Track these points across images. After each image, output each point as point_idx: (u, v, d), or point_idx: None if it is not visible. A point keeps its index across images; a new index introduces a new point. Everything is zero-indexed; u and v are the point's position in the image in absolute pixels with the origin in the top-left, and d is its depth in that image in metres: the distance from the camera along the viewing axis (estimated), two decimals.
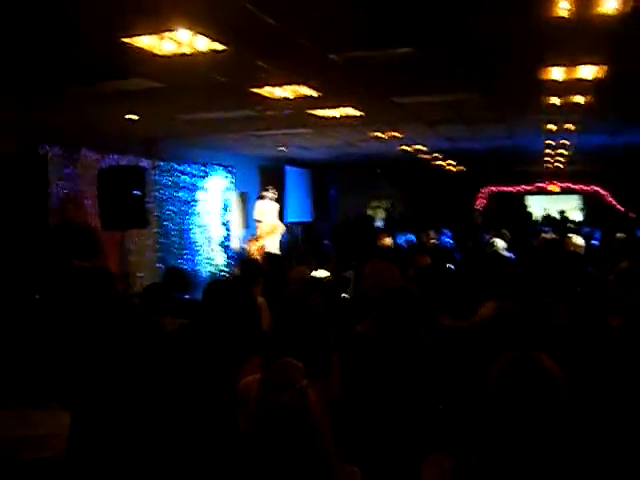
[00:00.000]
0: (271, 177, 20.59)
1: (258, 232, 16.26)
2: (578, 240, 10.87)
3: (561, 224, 20.17)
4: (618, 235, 12.27)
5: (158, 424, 3.49)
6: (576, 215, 24.09)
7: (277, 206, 16.76)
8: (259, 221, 16.29)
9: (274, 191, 16.73)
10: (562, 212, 23.13)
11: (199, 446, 3.41)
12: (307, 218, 23.11)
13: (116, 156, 13.47)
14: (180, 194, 16.17)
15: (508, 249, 11.57)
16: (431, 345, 4.03)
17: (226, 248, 17.94)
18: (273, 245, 15.84)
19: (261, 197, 16.65)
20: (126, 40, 6.56)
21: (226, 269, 17.60)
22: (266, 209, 16.34)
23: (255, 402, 2.51)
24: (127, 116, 11.15)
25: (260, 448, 2.44)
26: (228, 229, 18.02)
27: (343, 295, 8.02)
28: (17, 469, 2.79)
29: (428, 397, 3.61)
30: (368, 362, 3.98)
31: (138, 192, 10.86)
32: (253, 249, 15.89)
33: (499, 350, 2.61)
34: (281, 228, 16.61)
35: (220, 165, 17.76)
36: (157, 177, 15.19)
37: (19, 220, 10.62)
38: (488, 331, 4.00)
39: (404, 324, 4.06)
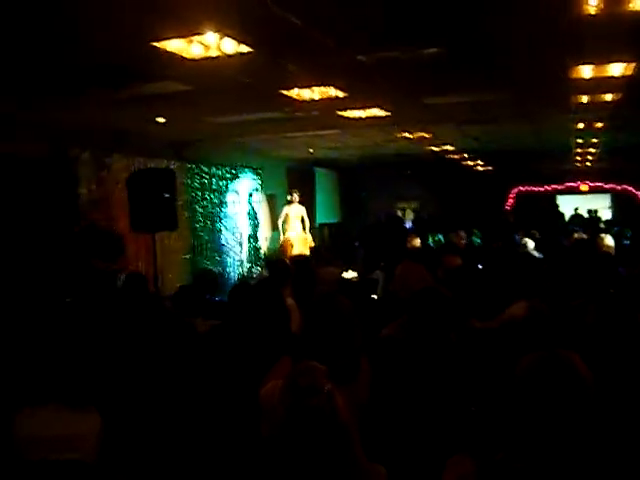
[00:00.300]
0: (299, 179, 20.61)
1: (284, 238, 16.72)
2: (609, 240, 10.77)
3: (591, 223, 19.99)
4: None
5: (188, 426, 3.50)
6: (606, 214, 23.85)
7: (303, 209, 17.09)
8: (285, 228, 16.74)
9: (298, 193, 17.09)
10: (593, 211, 22.89)
11: (226, 448, 3.42)
12: (336, 219, 23.10)
13: (145, 159, 13.54)
14: (209, 196, 16.23)
15: (538, 249, 11.51)
16: (461, 347, 4.01)
17: (255, 250, 18.01)
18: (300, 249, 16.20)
19: (288, 202, 17.08)
20: (156, 44, 6.60)
21: (255, 271, 17.66)
22: (292, 213, 16.79)
23: (281, 407, 2.51)
24: (156, 119, 11.23)
25: (288, 453, 2.43)
26: (257, 231, 18.08)
27: (372, 296, 8.01)
28: (45, 468, 2.81)
29: (459, 399, 3.60)
30: (398, 365, 3.97)
31: (168, 194, 10.90)
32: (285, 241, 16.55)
33: (529, 350, 2.59)
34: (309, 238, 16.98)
35: (248, 167, 17.81)
36: (186, 179, 15.25)
37: (50, 224, 10.71)
38: (519, 331, 3.98)
39: (434, 326, 4.05)
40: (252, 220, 18.03)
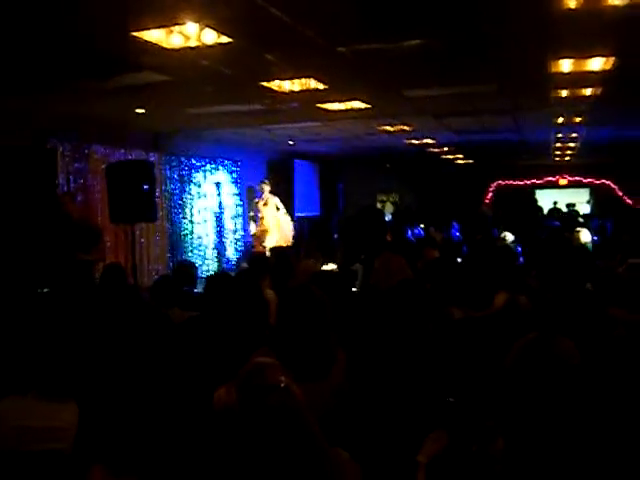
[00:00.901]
0: (279, 171, 20.59)
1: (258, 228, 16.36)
2: (585, 235, 10.86)
3: (570, 218, 20.09)
4: None
5: (161, 417, 3.49)
6: (584, 208, 23.99)
7: (276, 198, 16.66)
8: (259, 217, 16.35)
9: (267, 182, 16.70)
10: (571, 205, 23.01)
11: (195, 441, 3.41)
12: (315, 212, 23.10)
13: (124, 151, 13.51)
14: (188, 188, 16.21)
15: (515, 243, 11.56)
16: (439, 337, 4.02)
17: (234, 241, 18.02)
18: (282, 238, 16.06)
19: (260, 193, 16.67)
20: (136, 34, 6.57)
21: (234, 262, 17.66)
22: (262, 203, 16.39)
23: (239, 408, 2.50)
24: (136, 110, 11.19)
25: (249, 451, 2.43)
26: (236, 223, 18.07)
27: (352, 289, 8.01)
28: (26, 459, 2.80)
29: (437, 389, 3.61)
30: (376, 355, 3.98)
31: (146, 186, 10.87)
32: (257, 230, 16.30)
33: (509, 340, 2.61)
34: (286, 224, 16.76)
35: (228, 159, 17.79)
36: (165, 171, 15.22)
37: (27, 214, 10.64)
38: (498, 322, 4.00)
39: (412, 317, 4.06)
40: (231, 212, 18.04)
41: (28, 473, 2.90)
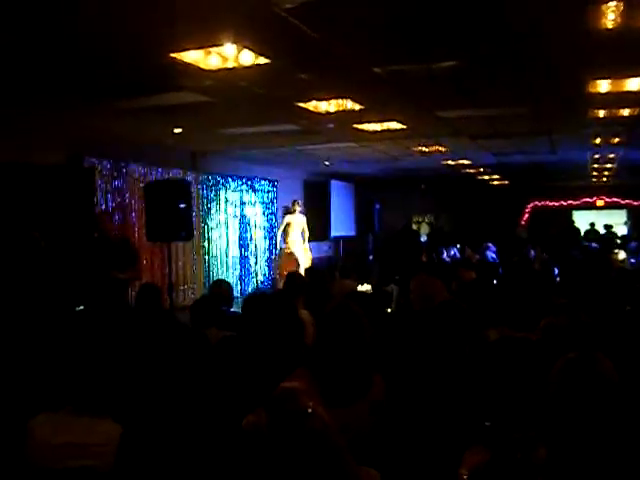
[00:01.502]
0: (315, 191, 20.64)
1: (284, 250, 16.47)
2: (622, 256, 10.78)
3: (607, 239, 19.89)
4: None
5: (200, 437, 3.50)
6: (621, 230, 23.73)
7: (304, 219, 16.76)
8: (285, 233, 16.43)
9: (300, 203, 16.83)
10: (609, 227, 22.78)
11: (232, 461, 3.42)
12: (351, 232, 23.07)
13: (162, 169, 13.62)
14: (225, 207, 16.30)
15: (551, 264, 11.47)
16: (476, 359, 4.00)
17: (270, 261, 18.06)
18: (304, 257, 16.26)
19: (289, 211, 16.77)
20: (174, 55, 6.64)
21: (269, 282, 17.71)
22: (294, 221, 16.43)
23: (270, 433, 2.52)
24: (174, 129, 11.29)
25: (275, 474, 2.44)
26: (272, 242, 18.11)
27: (387, 310, 8.00)
28: (61, 476, 2.82)
29: (473, 413, 3.59)
30: (412, 377, 3.97)
31: (183, 205, 10.95)
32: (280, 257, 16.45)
33: (548, 364, 2.62)
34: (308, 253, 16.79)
35: (265, 179, 17.86)
36: (202, 190, 15.32)
37: (66, 232, 10.76)
38: (537, 342, 3.98)
39: (451, 339, 4.04)
40: (268, 232, 18.10)
41: None
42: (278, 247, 17.00)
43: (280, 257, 16.84)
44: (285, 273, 15.32)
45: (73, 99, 8.80)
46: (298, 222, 16.48)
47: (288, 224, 16.42)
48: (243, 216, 17.06)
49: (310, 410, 2.47)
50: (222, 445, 3.45)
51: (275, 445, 2.45)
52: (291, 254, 16.09)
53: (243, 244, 17.11)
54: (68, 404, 3.29)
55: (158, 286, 7.69)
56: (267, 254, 18.12)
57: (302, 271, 14.75)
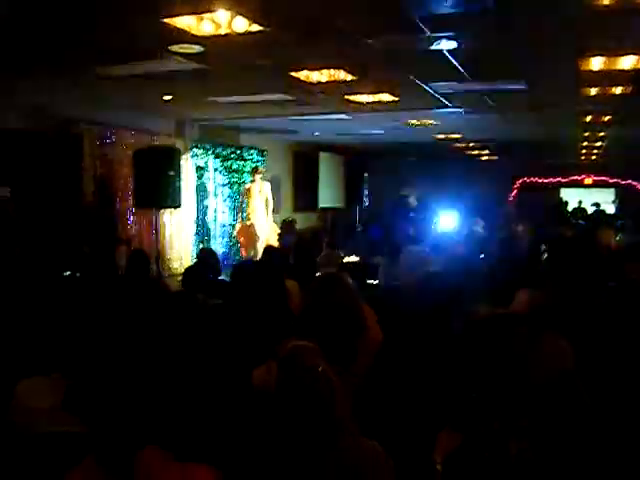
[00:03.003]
0: (305, 162, 20.63)
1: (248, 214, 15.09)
2: (610, 234, 10.78)
3: (595, 217, 19.96)
4: None
5: (186, 402, 3.51)
6: (609, 208, 23.83)
7: (269, 186, 15.36)
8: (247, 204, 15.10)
9: (261, 170, 15.64)
10: (596, 205, 22.86)
11: (221, 424, 3.43)
12: (339, 204, 23.09)
13: (151, 137, 13.57)
14: (214, 176, 16.26)
15: (539, 241, 11.49)
16: (463, 333, 4.01)
17: None
18: (265, 225, 14.94)
19: (252, 180, 15.30)
20: (166, 20, 6.57)
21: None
22: (256, 189, 15.06)
23: (277, 387, 2.53)
24: (163, 97, 11.22)
25: (284, 431, 2.45)
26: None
27: (370, 281, 8.04)
28: (44, 440, 2.82)
29: (460, 385, 3.60)
30: (397, 349, 3.98)
31: (172, 172, 10.93)
32: (237, 229, 15.50)
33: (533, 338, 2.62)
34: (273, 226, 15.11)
35: (254, 148, 17.80)
36: (191, 158, 15.27)
37: (53, 198, 10.73)
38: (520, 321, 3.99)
39: (440, 311, 4.06)
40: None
41: (45, 454, 2.91)
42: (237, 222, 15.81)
43: (236, 229, 15.72)
44: (243, 248, 14.83)
45: (61, 65, 8.72)
46: (258, 189, 15.04)
47: (247, 191, 15.16)
48: (232, 184, 16.99)
49: (320, 368, 2.48)
50: (225, 404, 3.47)
51: (283, 400, 2.47)
52: (250, 226, 14.81)
53: (231, 212, 17.05)
54: (54, 369, 3.29)
55: (146, 253, 7.69)
56: None
57: (260, 247, 13.98)
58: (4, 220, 8.32)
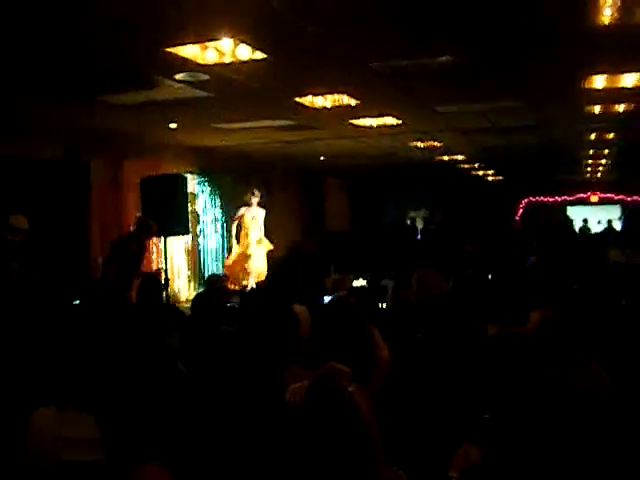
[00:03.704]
0: (311, 186, 20.65)
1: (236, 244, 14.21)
2: (617, 253, 10.80)
3: (602, 235, 19.94)
4: None
5: (204, 429, 3.52)
6: (616, 225, 23.80)
7: (263, 212, 14.33)
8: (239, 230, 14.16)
9: (257, 193, 14.30)
10: (608, 222, 22.83)
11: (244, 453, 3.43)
12: (345, 227, 23.11)
13: (158, 165, 13.60)
14: (220, 202, 16.25)
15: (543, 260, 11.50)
16: (476, 353, 4.01)
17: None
18: (259, 258, 13.92)
19: (246, 203, 14.21)
20: (170, 49, 6.62)
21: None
22: (250, 216, 14.09)
23: (302, 409, 2.52)
24: (169, 125, 11.28)
25: (308, 454, 2.45)
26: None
27: (382, 305, 8.04)
28: (62, 469, 2.83)
29: (471, 405, 3.60)
30: (413, 369, 3.99)
31: (179, 200, 10.96)
32: (227, 265, 14.43)
33: (544, 359, 2.62)
34: (265, 242, 14.26)
35: (260, 174, 17.82)
36: (197, 186, 15.29)
37: (60, 226, 10.77)
38: (534, 338, 3.99)
39: (449, 332, 4.06)
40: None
41: None
42: (234, 249, 14.31)
43: (229, 258, 14.60)
44: (231, 279, 13.08)
45: (69, 94, 8.77)
46: (251, 216, 14.08)
47: (241, 217, 14.11)
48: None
49: (348, 392, 2.46)
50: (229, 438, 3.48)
51: (306, 420, 2.46)
52: (243, 255, 13.84)
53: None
54: (70, 400, 3.29)
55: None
56: None
57: (252, 281, 13.34)
58: (22, 250, 8.35)
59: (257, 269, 13.70)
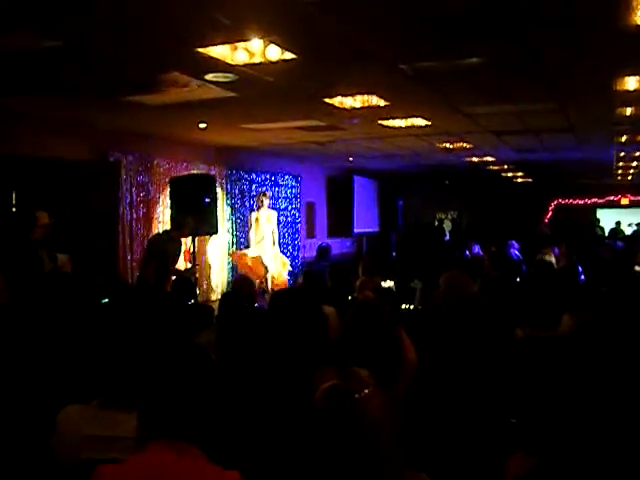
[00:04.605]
0: (339, 187, 20.65)
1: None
2: None
3: (634, 238, 19.79)
4: None
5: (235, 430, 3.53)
6: None
7: (275, 215, 14.47)
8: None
9: (269, 195, 14.76)
10: (638, 225, 22.66)
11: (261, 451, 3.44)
12: (374, 228, 23.08)
13: (187, 164, 13.67)
14: (248, 202, 16.29)
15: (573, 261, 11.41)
16: (504, 357, 3.99)
17: (293, 257, 18.05)
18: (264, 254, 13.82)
19: (258, 205, 14.35)
20: (200, 50, 6.65)
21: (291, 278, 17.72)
22: (262, 217, 14.05)
23: (317, 411, 2.52)
24: (199, 124, 11.33)
25: (320, 457, 2.44)
26: (295, 238, 18.10)
27: (407, 306, 8.02)
28: (88, 467, 2.83)
29: (499, 410, 3.58)
30: (441, 373, 3.97)
31: (208, 199, 11.00)
32: (235, 259, 14.40)
33: (579, 363, 2.59)
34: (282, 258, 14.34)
35: (288, 174, 17.87)
36: (226, 185, 15.34)
37: (91, 225, 10.85)
38: (566, 343, 3.96)
39: (476, 335, 4.03)
40: (291, 228, 18.06)
41: None
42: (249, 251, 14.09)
43: (238, 262, 14.35)
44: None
45: (100, 95, 8.85)
46: (266, 217, 14.08)
47: (256, 220, 14.03)
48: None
49: (360, 395, 2.45)
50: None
51: (318, 424, 2.46)
52: (255, 259, 13.68)
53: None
54: (97, 397, 3.31)
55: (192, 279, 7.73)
56: (290, 249, 18.06)
57: (268, 278, 13.33)
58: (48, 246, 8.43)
59: (272, 268, 13.75)
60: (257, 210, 14.25)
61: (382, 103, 9.66)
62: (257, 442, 3.55)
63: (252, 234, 14.07)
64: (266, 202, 14.11)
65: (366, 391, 2.48)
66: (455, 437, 3.59)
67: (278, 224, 15.34)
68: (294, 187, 18.22)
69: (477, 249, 15.40)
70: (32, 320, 5.08)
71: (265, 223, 13.98)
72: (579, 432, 2.45)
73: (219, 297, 12.34)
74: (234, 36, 6.34)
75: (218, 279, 15.13)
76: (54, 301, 5.44)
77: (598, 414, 2.40)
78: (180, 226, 10.11)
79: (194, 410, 2.70)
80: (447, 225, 25.06)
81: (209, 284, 14.75)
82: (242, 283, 7.78)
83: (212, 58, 6.92)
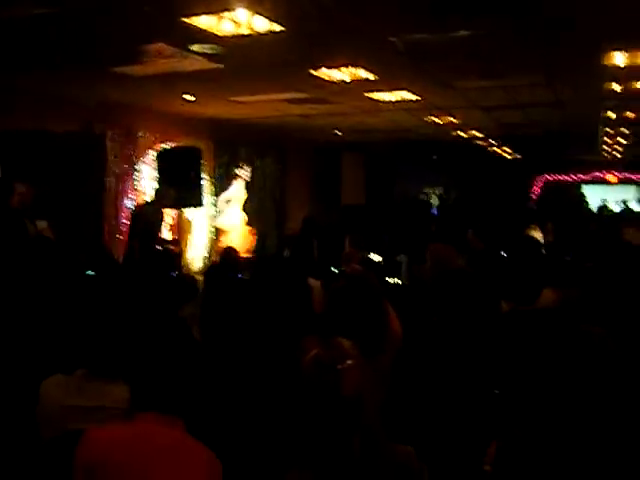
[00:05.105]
0: (326, 160, 20.60)
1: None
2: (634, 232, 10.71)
3: (620, 214, 19.86)
4: None
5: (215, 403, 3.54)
6: (634, 206, 23.66)
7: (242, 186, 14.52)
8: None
9: (245, 167, 14.79)
10: (624, 202, 22.73)
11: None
12: (361, 202, 23.03)
13: (173, 137, 13.59)
14: (235, 175, 16.21)
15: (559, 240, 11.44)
16: (489, 329, 3.99)
17: (278, 229, 18.00)
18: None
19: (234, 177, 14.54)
20: (186, 19, 6.59)
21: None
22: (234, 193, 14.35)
23: (300, 381, 2.52)
24: (185, 97, 11.25)
25: (301, 427, 2.44)
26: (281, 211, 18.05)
27: (394, 280, 8.04)
28: (73, 437, 2.83)
29: (483, 381, 3.59)
30: (426, 345, 3.98)
31: (194, 172, 10.96)
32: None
33: (560, 336, 2.57)
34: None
35: (275, 147, 17.79)
36: (213, 158, 15.27)
37: (76, 196, 10.80)
38: (546, 316, 3.96)
39: (462, 307, 4.03)
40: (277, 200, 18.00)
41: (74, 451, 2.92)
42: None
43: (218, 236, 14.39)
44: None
45: (84, 66, 8.77)
46: (239, 194, 14.27)
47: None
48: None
49: (340, 366, 2.44)
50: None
51: (297, 393, 2.46)
52: (226, 234, 13.81)
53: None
54: (81, 367, 3.30)
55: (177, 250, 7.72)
56: (276, 222, 17.98)
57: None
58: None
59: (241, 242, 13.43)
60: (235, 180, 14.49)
61: (371, 76, 9.60)
62: (241, 415, 3.56)
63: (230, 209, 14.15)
64: (243, 172, 14.45)
65: (348, 362, 2.47)
66: (440, 408, 3.61)
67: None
68: (282, 160, 18.12)
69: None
70: (17, 286, 5.08)
71: (236, 199, 14.20)
72: (554, 408, 2.43)
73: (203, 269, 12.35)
74: (218, 5, 6.28)
75: (204, 251, 15.08)
76: (39, 266, 5.43)
77: (578, 391, 2.37)
78: (161, 198, 10.10)
79: (180, 384, 2.71)
80: (434, 200, 25.05)
81: (193, 257, 14.70)
82: (228, 254, 7.79)
83: (197, 28, 6.85)
